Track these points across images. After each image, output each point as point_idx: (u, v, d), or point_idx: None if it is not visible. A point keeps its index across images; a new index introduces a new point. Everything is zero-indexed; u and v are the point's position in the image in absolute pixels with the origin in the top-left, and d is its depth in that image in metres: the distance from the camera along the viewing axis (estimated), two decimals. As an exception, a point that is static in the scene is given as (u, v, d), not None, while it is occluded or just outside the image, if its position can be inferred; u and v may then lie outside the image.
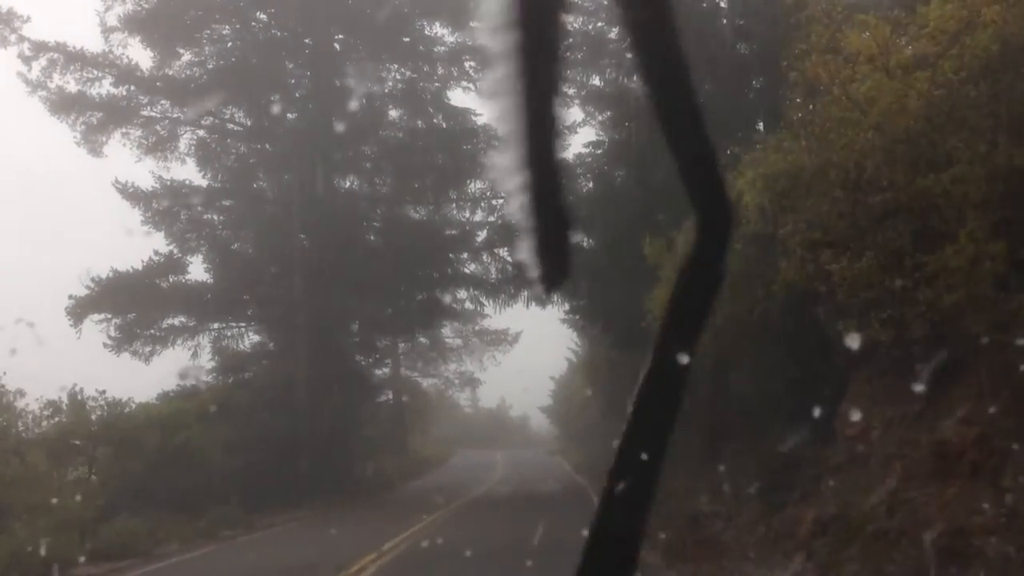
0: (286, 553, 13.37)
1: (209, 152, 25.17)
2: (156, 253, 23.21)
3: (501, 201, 26.15)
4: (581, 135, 25.34)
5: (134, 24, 23.60)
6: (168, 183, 24.44)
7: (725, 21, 19.28)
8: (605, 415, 30.73)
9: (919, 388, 8.27)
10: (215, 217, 25.11)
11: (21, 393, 16.89)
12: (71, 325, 22.09)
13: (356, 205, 26.44)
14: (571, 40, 21.34)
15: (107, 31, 23.54)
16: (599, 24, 21.19)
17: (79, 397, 16.97)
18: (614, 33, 21.17)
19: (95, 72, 23.63)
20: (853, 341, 8.25)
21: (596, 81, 21.95)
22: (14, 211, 65.18)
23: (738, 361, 11.98)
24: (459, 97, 28.85)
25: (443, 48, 25.86)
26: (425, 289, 27.07)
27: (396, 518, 16.97)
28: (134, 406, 18.09)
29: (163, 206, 24.08)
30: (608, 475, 1.02)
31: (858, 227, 7.71)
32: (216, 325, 24.82)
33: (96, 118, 23.91)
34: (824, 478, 9.65)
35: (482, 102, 33.47)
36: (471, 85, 25.85)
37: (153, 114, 24.64)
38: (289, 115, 25.54)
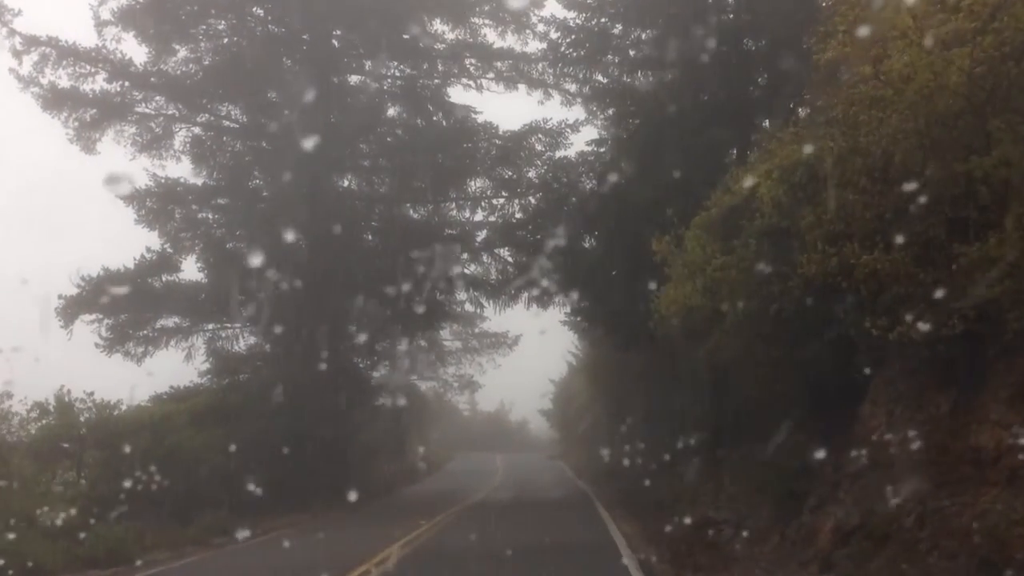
0: (278, 561, 12.88)
1: (204, 150, 24.70)
2: (148, 251, 22.74)
3: (502, 200, 25.73)
4: (583, 133, 25.03)
5: (128, 18, 23.12)
6: (163, 181, 23.99)
7: (732, 16, 18.89)
8: (607, 419, 30.28)
9: (949, 388, 7.80)
10: (210, 216, 24.63)
11: (8, 395, 16.41)
12: (61, 326, 21.60)
13: (354, 204, 25.95)
14: (574, 36, 20.90)
15: (100, 25, 23.07)
16: (602, 20, 20.72)
17: (66, 399, 16.47)
18: (617, 29, 20.76)
19: (88, 67, 23.18)
20: (878, 339, 7.78)
21: (600, 78, 21.49)
22: (8, 211, 64.59)
23: (749, 361, 11.50)
24: (459, 95, 28.31)
25: (443, 45, 25.39)
26: (424, 290, 26.57)
27: (394, 524, 16.49)
28: (124, 408, 17.59)
29: (157, 204, 23.61)
30: None
31: (885, 218, 7.25)
32: (210, 326, 24.33)
33: (89, 115, 23.45)
34: (843, 484, 9.17)
35: (483, 100, 33.20)
36: (471, 83, 25.37)
37: (148, 111, 24.19)
38: (286, 112, 25.06)
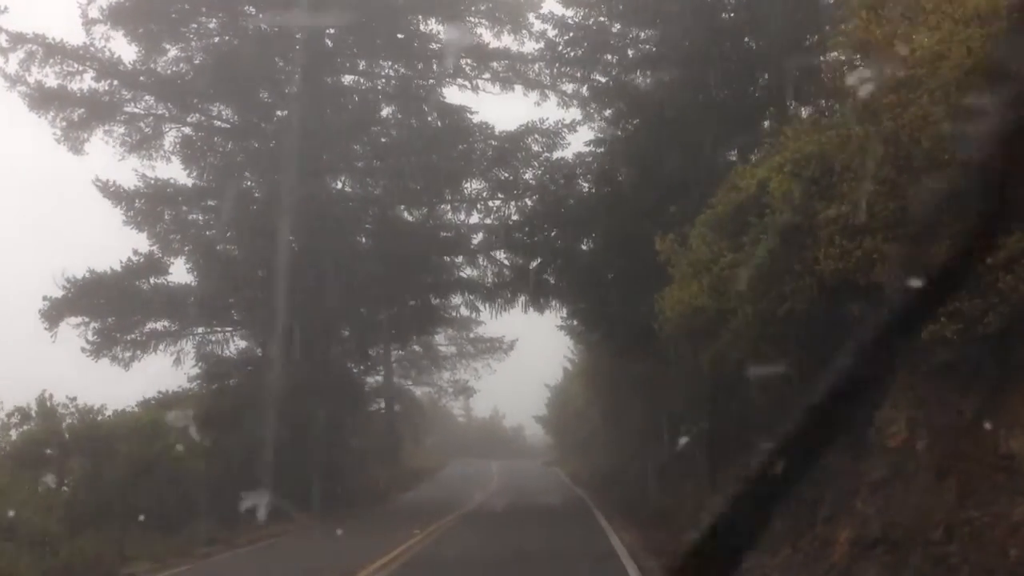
0: (265, 573, 12.38)
1: (195, 150, 24.21)
2: (136, 253, 22.21)
3: (498, 202, 25.27)
4: (580, 134, 24.56)
5: (117, 16, 22.66)
6: (152, 182, 23.50)
7: (734, 15, 18.54)
8: (604, 424, 29.82)
9: (974, 392, 7.36)
10: (200, 217, 24.13)
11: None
12: (45, 328, 21.07)
13: (347, 206, 25.47)
14: (571, 35, 20.49)
15: (89, 23, 22.60)
16: (600, 18, 20.32)
17: (48, 404, 15.93)
18: (616, 27, 20.37)
19: (76, 66, 22.71)
20: (898, 340, 7.33)
21: (598, 77, 21.06)
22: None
23: (757, 365, 11.05)
24: (455, 95, 27.87)
25: (438, 45, 24.96)
26: (419, 294, 26.12)
27: (387, 533, 16.01)
28: (109, 413, 17.05)
29: (146, 205, 23.11)
30: None
31: (910, 210, 6.82)
32: (200, 330, 23.80)
33: (77, 114, 22.97)
34: (860, 493, 8.70)
35: (478, 100, 32.75)
36: (467, 83, 24.94)
37: (137, 110, 23.74)
38: (278, 112, 24.61)
